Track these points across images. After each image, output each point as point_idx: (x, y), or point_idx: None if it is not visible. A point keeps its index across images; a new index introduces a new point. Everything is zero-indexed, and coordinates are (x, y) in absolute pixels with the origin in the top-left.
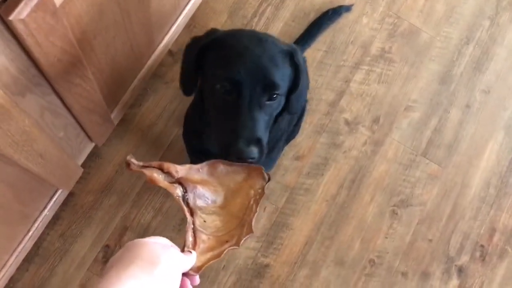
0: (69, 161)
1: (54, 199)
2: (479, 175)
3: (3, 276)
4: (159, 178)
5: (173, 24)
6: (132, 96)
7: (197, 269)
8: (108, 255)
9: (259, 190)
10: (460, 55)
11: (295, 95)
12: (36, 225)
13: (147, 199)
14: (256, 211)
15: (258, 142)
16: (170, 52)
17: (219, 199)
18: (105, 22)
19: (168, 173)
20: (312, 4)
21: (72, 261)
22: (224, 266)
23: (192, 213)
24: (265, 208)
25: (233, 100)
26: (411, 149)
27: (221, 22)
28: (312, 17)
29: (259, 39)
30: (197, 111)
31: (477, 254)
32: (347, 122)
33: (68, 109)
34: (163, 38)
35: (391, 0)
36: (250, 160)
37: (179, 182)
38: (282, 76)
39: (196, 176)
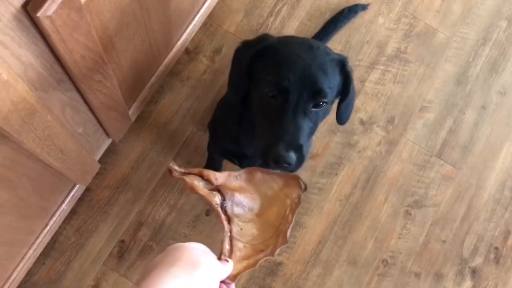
0: (87, 156)
1: (71, 194)
2: (494, 177)
3: (21, 268)
4: (199, 185)
5: (190, 23)
6: (149, 93)
7: (233, 277)
8: (123, 250)
9: (295, 200)
10: (476, 56)
11: (345, 103)
12: (54, 219)
13: (162, 195)
14: (291, 221)
15: (298, 148)
16: (186, 50)
17: (256, 207)
18: (126, 20)
19: (207, 180)
20: (328, 3)
21: (88, 256)
22: None
23: (229, 221)
24: None
25: (279, 105)
26: (425, 150)
27: (237, 21)
28: (328, 16)
29: (310, 46)
30: (233, 115)
31: (491, 256)
32: (362, 122)
33: (88, 105)
34: (180, 36)
35: (407, 0)
36: (286, 165)
37: (218, 189)
38: (330, 84)
39: (234, 183)
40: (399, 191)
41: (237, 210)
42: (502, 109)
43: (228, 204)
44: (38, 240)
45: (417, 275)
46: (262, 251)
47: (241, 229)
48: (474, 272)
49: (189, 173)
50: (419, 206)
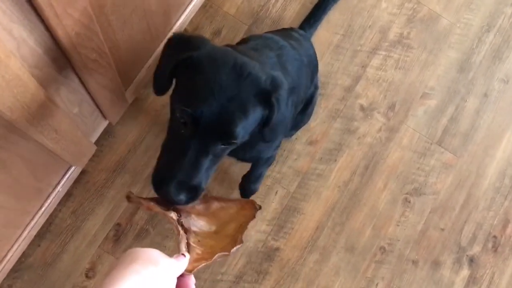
0: (83, 138)
1: (67, 175)
2: (494, 165)
3: (16, 250)
4: (155, 206)
5: (189, 3)
6: (147, 75)
7: (190, 272)
8: (119, 233)
9: (252, 217)
10: (480, 43)
11: (268, 129)
12: (49, 201)
13: None
14: (246, 228)
15: (191, 189)
16: (185, 32)
17: (213, 228)
18: None
19: (163, 206)
20: None
21: (84, 238)
22: None
23: (186, 231)
24: (276, 192)
25: (186, 136)
26: (426, 137)
27: (237, 3)
28: None
29: (240, 74)
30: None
31: (490, 245)
32: (362, 108)
33: (84, 85)
34: (179, 18)
35: None
36: (177, 203)
37: (174, 209)
38: (247, 124)
39: (191, 209)
40: (399, 179)
41: (194, 228)
42: (504, 97)
43: (184, 220)
44: (33, 222)
45: (415, 262)
46: (218, 253)
47: (199, 241)
48: (471, 260)
49: (146, 199)
50: (418, 194)
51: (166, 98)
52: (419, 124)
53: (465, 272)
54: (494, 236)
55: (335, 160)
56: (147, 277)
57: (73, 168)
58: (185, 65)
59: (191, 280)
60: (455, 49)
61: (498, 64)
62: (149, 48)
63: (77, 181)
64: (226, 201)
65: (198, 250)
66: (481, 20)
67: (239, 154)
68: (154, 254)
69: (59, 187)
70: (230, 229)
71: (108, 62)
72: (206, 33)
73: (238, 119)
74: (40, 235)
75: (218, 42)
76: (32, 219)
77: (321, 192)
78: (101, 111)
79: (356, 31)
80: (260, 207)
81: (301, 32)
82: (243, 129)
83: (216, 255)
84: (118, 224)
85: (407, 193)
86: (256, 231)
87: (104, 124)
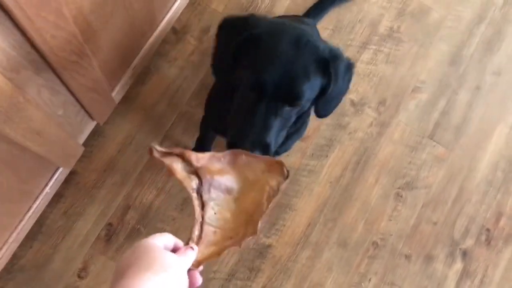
0: (69, 139)
1: (55, 177)
2: (487, 158)
3: (5, 252)
4: (177, 168)
5: (175, 1)
6: (134, 74)
7: (197, 264)
8: (111, 233)
9: (275, 188)
10: (471, 35)
11: (323, 100)
12: (37, 202)
13: (150, 178)
14: (265, 211)
15: (264, 147)
16: (173, 30)
17: (235, 190)
18: None
19: (188, 162)
20: None
21: (75, 239)
22: None
23: (203, 207)
24: None
25: (254, 100)
26: (417, 131)
27: (225, 0)
28: None
29: (298, 40)
30: (223, 95)
31: (483, 238)
32: (353, 103)
33: (67, 87)
34: (165, 15)
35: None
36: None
37: (196, 172)
38: (310, 86)
39: (216, 165)
40: (390, 173)
41: (214, 193)
42: (496, 89)
43: (205, 188)
44: (22, 224)
45: (408, 257)
46: (231, 238)
47: (215, 213)
48: (465, 254)
49: (170, 153)
50: (410, 188)
51: (156, 97)
52: (410, 118)
53: (458, 265)
54: (487, 229)
55: (327, 156)
56: (162, 283)
57: (60, 169)
58: (246, 43)
59: (198, 270)
60: (446, 42)
61: (490, 56)
62: (135, 47)
63: (67, 182)
64: (255, 156)
65: (211, 229)
66: (472, 13)
67: None
68: (167, 258)
69: (47, 189)
70: (249, 199)
71: (90, 64)
72: (195, 31)
73: (301, 80)
74: (32, 237)
75: (207, 39)
76: (21, 221)
77: (313, 188)
78: (87, 112)
79: (346, 26)
80: (288, 175)
81: (309, 20)
82: (307, 91)
83: (226, 249)
84: (110, 224)
85: (399, 188)
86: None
87: (92, 124)
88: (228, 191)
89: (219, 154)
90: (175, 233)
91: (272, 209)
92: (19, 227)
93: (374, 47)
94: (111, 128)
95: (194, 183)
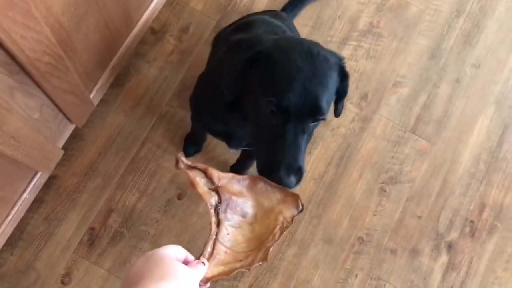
0: (47, 142)
1: (33, 182)
2: (469, 151)
3: None
4: (200, 183)
5: (151, 1)
6: (111, 75)
7: (205, 280)
8: (94, 238)
9: (288, 219)
10: (450, 29)
11: (341, 101)
12: (15, 208)
13: (132, 180)
14: (277, 240)
15: (298, 171)
16: (152, 30)
17: (249, 214)
18: None
19: (210, 178)
20: None
21: (58, 244)
22: None
23: (218, 224)
24: None
25: (279, 124)
26: (399, 126)
27: None
28: None
29: (310, 54)
30: (218, 97)
31: (467, 230)
32: None
33: (42, 89)
34: (142, 15)
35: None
36: (288, 187)
37: (217, 190)
38: (329, 97)
39: (235, 186)
40: (374, 168)
41: (230, 213)
42: (476, 82)
43: (222, 206)
44: (0, 230)
45: (393, 251)
46: (240, 261)
47: (228, 234)
48: (450, 246)
49: (195, 168)
50: (394, 183)
51: (135, 98)
52: (392, 112)
53: (443, 258)
54: (471, 221)
55: (310, 153)
56: None
57: (39, 173)
58: (253, 62)
59: (205, 286)
60: (425, 36)
61: (469, 49)
62: (111, 48)
63: (48, 187)
64: (272, 185)
65: (222, 248)
66: (450, 6)
67: None
68: (180, 269)
69: (25, 194)
70: (263, 225)
71: (64, 65)
72: (174, 30)
73: (322, 93)
74: (12, 244)
75: (187, 39)
76: None
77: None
78: (65, 115)
79: (326, 22)
80: (302, 209)
81: (284, 14)
82: (327, 103)
83: (236, 271)
84: (92, 228)
85: (382, 182)
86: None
87: (70, 128)
88: (243, 214)
89: (239, 177)
90: (159, 236)
91: None
92: None
93: (354, 43)
94: (91, 131)
95: (213, 199)
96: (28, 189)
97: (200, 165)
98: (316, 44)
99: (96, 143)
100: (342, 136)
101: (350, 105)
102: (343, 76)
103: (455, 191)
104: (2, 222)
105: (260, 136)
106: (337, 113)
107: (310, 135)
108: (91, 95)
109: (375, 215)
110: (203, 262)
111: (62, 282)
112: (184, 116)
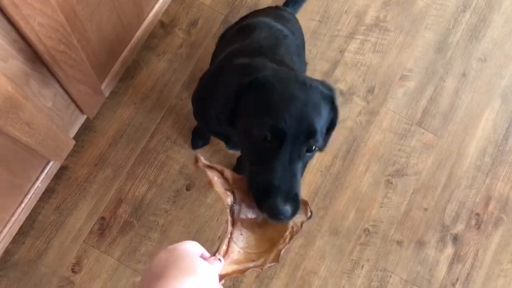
0: (60, 132)
1: (46, 171)
2: (475, 144)
3: None
4: (217, 182)
5: None
6: (122, 67)
7: (220, 277)
8: (104, 227)
9: (298, 224)
10: (456, 23)
11: (329, 133)
12: (28, 196)
13: (141, 171)
14: (288, 243)
15: (294, 198)
16: (162, 24)
17: (261, 217)
18: None
19: (226, 179)
20: None
21: (68, 234)
22: (220, 236)
23: (233, 224)
24: None
25: (273, 149)
26: (406, 119)
27: None
28: None
29: (303, 83)
30: (220, 102)
31: (473, 222)
32: (341, 93)
33: (56, 78)
34: (152, 8)
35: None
36: (283, 219)
37: (232, 191)
38: (323, 126)
39: (247, 195)
40: (380, 161)
41: (243, 214)
42: (482, 75)
43: (236, 207)
44: (13, 218)
45: (399, 243)
46: (253, 261)
47: (241, 234)
48: (455, 238)
49: (212, 168)
50: (400, 175)
51: (145, 91)
52: (398, 106)
53: (449, 250)
54: (477, 214)
55: None
56: (197, 284)
57: (51, 163)
58: (250, 87)
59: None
60: (432, 30)
61: (475, 43)
62: (123, 40)
63: (59, 177)
64: None
65: (236, 248)
66: (456, 1)
67: None
68: (200, 264)
69: (38, 183)
70: (274, 230)
71: (78, 54)
72: (183, 24)
73: (316, 118)
74: (24, 233)
75: (195, 33)
76: (12, 215)
77: (304, 177)
78: (77, 105)
79: (333, 16)
80: (311, 215)
81: (288, 10)
82: (321, 129)
83: (249, 270)
84: (102, 218)
85: (389, 175)
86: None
87: (82, 118)
88: (255, 216)
89: None
90: (168, 225)
91: None
92: (11, 221)
93: (361, 37)
94: (101, 122)
95: (229, 199)
96: (41, 178)
97: (217, 166)
98: (309, 77)
99: (107, 135)
100: (349, 129)
101: (357, 99)
102: (333, 108)
103: (461, 183)
104: (16, 209)
105: (254, 165)
106: (323, 146)
107: (305, 165)
108: (102, 87)
109: (381, 207)
110: (219, 259)
111: (73, 271)
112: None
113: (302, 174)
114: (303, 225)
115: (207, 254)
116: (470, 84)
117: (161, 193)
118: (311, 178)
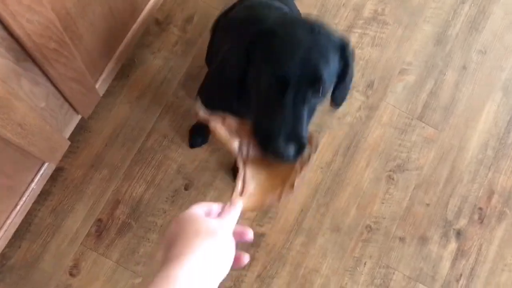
0: (53, 132)
1: (40, 172)
2: (476, 137)
3: None
4: (221, 130)
5: None
6: (117, 65)
7: (241, 214)
8: (101, 229)
9: (305, 157)
10: (455, 15)
11: (340, 88)
12: (23, 199)
13: (138, 171)
14: (300, 173)
15: (299, 139)
16: (156, 20)
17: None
18: None
19: (228, 126)
20: None
21: (65, 236)
22: None
23: (244, 164)
24: None
25: (277, 94)
26: (406, 113)
27: None
28: None
29: (312, 29)
30: (228, 89)
31: (476, 217)
32: None
33: (48, 78)
34: (146, 4)
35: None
36: (286, 158)
37: (238, 134)
38: (330, 71)
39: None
40: (381, 156)
41: (252, 152)
42: (483, 68)
43: (244, 148)
44: (8, 221)
45: (402, 239)
46: (268, 194)
47: (253, 172)
48: (458, 233)
49: (214, 117)
50: (401, 170)
51: (141, 89)
52: (398, 100)
53: (452, 245)
54: (480, 208)
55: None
56: (209, 247)
57: (46, 164)
58: (259, 38)
59: (247, 230)
60: (430, 23)
61: (475, 35)
62: (116, 37)
63: (54, 179)
64: None
65: (250, 185)
66: None
67: None
68: (210, 224)
69: (33, 185)
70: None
71: (69, 52)
72: (178, 21)
73: (322, 63)
74: (20, 236)
75: (191, 29)
76: (7, 218)
77: (304, 174)
78: (71, 105)
79: (330, 10)
80: (316, 148)
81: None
82: (328, 76)
83: (266, 204)
84: (100, 220)
85: (390, 170)
86: (241, 218)
87: (76, 118)
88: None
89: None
90: (167, 226)
91: None
92: (6, 224)
93: (359, 30)
94: (96, 122)
95: (235, 143)
96: (36, 180)
97: (219, 114)
98: (321, 23)
99: (102, 134)
100: (349, 124)
101: (356, 93)
102: (344, 56)
103: (463, 178)
104: (11, 213)
105: (260, 110)
106: (334, 101)
107: (312, 110)
108: (97, 86)
109: (383, 203)
110: (234, 205)
111: (71, 274)
112: (190, 107)
113: (310, 118)
114: (311, 157)
115: (215, 207)
116: (471, 76)
117: (159, 193)
118: (312, 175)
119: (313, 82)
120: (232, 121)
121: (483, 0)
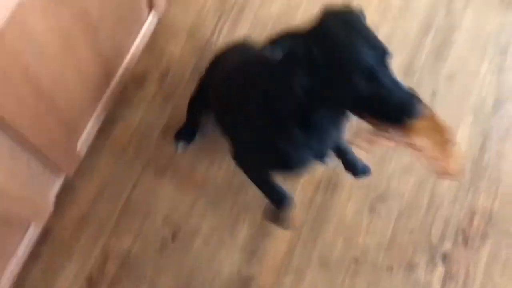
0: (37, 197)
1: (27, 235)
2: None
3: None
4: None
5: (128, 51)
6: (97, 123)
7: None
8: (92, 285)
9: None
10: (421, 45)
11: None
12: (12, 262)
13: (126, 225)
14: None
15: (416, 96)
16: (133, 77)
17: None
18: (46, 57)
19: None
20: (270, 13)
21: None
22: (209, 282)
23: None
24: (244, 220)
25: (372, 81)
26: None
27: (181, 42)
28: (270, 26)
29: (345, 22)
30: (284, 125)
31: (460, 239)
32: None
33: (26, 145)
34: (120, 65)
35: (346, 1)
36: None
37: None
38: None
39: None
40: (362, 187)
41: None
42: (451, 93)
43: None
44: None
45: (389, 268)
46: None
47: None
48: (444, 257)
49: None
50: (383, 200)
51: (123, 144)
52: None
53: (440, 270)
54: (463, 230)
55: (298, 178)
56: None
57: (32, 227)
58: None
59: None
60: (397, 54)
61: (441, 62)
62: (94, 98)
63: (43, 240)
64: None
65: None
66: (418, 24)
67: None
68: None
69: (21, 247)
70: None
71: (46, 121)
72: (155, 75)
73: (376, 37)
74: None
75: (167, 84)
76: None
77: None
78: (53, 166)
79: None
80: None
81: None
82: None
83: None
84: (90, 276)
85: (372, 201)
86: (228, 263)
87: (61, 178)
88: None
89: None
90: (157, 276)
91: (251, 239)
92: None
93: None
94: (81, 180)
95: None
96: (24, 242)
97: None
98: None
99: (87, 192)
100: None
101: None
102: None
103: (444, 202)
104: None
105: (368, 101)
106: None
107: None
108: (78, 145)
109: (367, 234)
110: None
111: None
112: (172, 155)
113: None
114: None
115: None
116: (441, 102)
117: (146, 244)
118: (296, 212)
119: (384, 58)
120: (367, 135)
121: (445, 29)
